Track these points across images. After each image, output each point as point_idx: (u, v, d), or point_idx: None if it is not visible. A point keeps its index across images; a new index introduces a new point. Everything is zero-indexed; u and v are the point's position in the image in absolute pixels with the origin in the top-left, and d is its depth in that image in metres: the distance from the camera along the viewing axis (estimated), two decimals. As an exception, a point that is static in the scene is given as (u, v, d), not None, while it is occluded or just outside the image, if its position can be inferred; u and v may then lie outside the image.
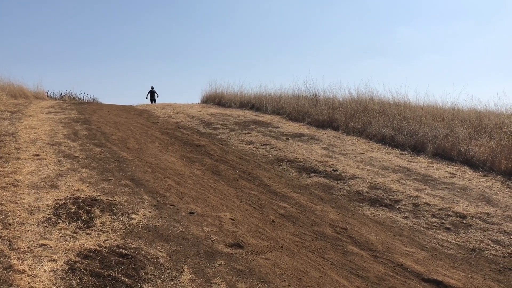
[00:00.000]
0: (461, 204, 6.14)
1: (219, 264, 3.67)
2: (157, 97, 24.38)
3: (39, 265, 3.25)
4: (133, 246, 3.75)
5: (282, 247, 4.36)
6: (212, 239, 4.15)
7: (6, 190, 4.78)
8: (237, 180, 6.91)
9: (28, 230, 3.84)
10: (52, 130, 8.75)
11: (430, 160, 8.71)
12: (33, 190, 4.88)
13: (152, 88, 24.43)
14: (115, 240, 3.82)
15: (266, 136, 10.45)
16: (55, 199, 4.63)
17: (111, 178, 5.65)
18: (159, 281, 3.27)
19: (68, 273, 3.19)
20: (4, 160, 6.01)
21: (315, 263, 4.15)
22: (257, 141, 9.90)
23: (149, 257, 3.60)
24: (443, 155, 8.99)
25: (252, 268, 3.68)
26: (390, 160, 8.54)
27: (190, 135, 10.41)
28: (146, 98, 24.06)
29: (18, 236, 3.70)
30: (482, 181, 7.37)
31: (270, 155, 8.76)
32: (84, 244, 3.66)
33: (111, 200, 4.77)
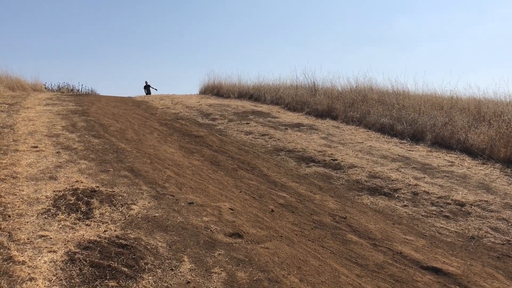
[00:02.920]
0: (460, 192, 6.15)
1: (219, 254, 3.68)
2: (151, 90, 24.05)
3: (39, 256, 3.25)
4: (132, 236, 3.76)
5: (281, 236, 4.37)
6: (211, 229, 4.16)
7: (5, 182, 4.78)
8: (236, 170, 6.91)
9: (27, 222, 3.84)
10: (50, 122, 8.72)
11: (429, 149, 8.71)
12: (32, 182, 4.87)
13: (146, 82, 24.21)
14: (115, 230, 3.83)
15: (265, 126, 10.44)
16: (54, 191, 4.63)
17: (110, 169, 5.65)
18: (159, 271, 3.28)
19: (68, 264, 3.19)
20: (2, 152, 5.99)
21: (314, 252, 4.17)
22: (256, 131, 9.89)
23: (148, 247, 3.61)
24: (442, 143, 8.99)
25: (252, 257, 3.69)
26: (389, 149, 8.54)
27: (189, 126, 10.39)
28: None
29: (17, 228, 3.70)
30: (481, 169, 7.37)
31: (269, 145, 8.75)
32: (83, 235, 3.67)
33: (110, 191, 4.77)
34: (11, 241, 3.45)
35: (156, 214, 4.31)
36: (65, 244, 3.48)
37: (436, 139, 9.13)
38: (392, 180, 6.62)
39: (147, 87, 24.06)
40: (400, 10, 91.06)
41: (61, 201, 4.36)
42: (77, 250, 3.40)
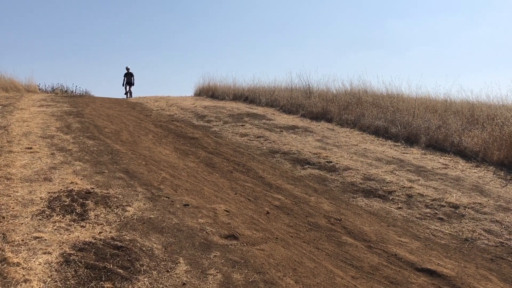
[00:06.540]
0: (454, 195, 6.19)
1: (215, 256, 3.68)
2: (133, 82, 20.15)
3: (33, 258, 3.24)
4: (128, 238, 3.75)
5: (277, 238, 4.38)
6: (207, 230, 4.16)
7: (-1, 183, 4.75)
8: (232, 172, 6.92)
9: (22, 223, 3.82)
10: (45, 123, 8.68)
11: (423, 151, 8.76)
12: (26, 183, 4.85)
13: (128, 69, 20.25)
14: (110, 232, 3.82)
15: (260, 129, 10.45)
16: (49, 192, 4.61)
17: (105, 171, 5.63)
18: (155, 272, 3.27)
19: (63, 266, 3.18)
20: (-4, 153, 5.96)
21: (309, 254, 4.18)
22: (251, 134, 9.90)
23: (144, 249, 3.60)
24: (436, 146, 9.05)
25: (247, 259, 3.70)
26: (383, 152, 8.58)
27: (184, 127, 10.38)
28: (123, 85, 20.29)
29: (12, 229, 3.68)
30: (475, 172, 7.43)
31: (264, 147, 8.76)
32: (78, 237, 3.66)
33: (105, 193, 4.76)
34: (5, 243, 3.43)
35: (152, 216, 4.30)
36: (60, 246, 3.46)
37: (430, 141, 9.19)
38: (387, 183, 6.65)
39: (128, 75, 20.12)
40: (392, 14, 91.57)
41: (56, 202, 4.34)
42: (72, 252, 3.39)
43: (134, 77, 20.25)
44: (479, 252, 4.73)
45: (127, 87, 20.22)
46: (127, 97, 19.81)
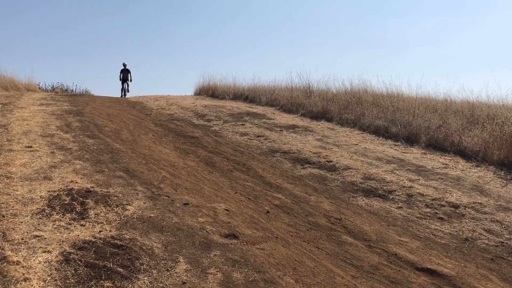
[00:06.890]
0: (454, 194, 6.19)
1: (215, 255, 3.67)
2: (130, 79, 19.73)
3: (33, 257, 3.23)
4: (128, 237, 3.74)
5: (277, 237, 4.38)
6: (207, 229, 4.16)
7: (-2, 182, 4.74)
8: (232, 171, 6.91)
9: (22, 222, 3.82)
10: (45, 122, 8.68)
11: (423, 151, 8.76)
12: (26, 182, 4.84)
13: (125, 65, 19.70)
14: (110, 231, 3.81)
15: (260, 128, 10.44)
16: (49, 191, 4.60)
17: (105, 170, 5.63)
18: (155, 271, 3.27)
19: (63, 264, 3.18)
20: (-4, 152, 5.95)
21: (310, 253, 4.17)
22: (251, 133, 9.89)
23: (144, 247, 3.60)
24: (436, 146, 9.04)
25: (248, 258, 3.69)
26: (383, 151, 8.58)
27: (184, 126, 10.37)
28: (120, 79, 19.85)
29: (12, 228, 3.68)
30: (475, 172, 7.42)
31: (264, 147, 8.76)
32: (78, 235, 3.65)
33: (105, 192, 4.75)
34: (5, 241, 3.43)
35: (152, 215, 4.30)
36: (60, 244, 3.46)
37: (430, 141, 9.19)
38: (387, 182, 6.64)
39: (125, 72, 19.62)
40: (394, 14, 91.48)
41: (56, 201, 4.33)
42: (72, 251, 3.38)
43: (131, 73, 19.84)
44: (479, 252, 4.73)
45: (124, 84, 19.86)
46: (123, 95, 19.61)
